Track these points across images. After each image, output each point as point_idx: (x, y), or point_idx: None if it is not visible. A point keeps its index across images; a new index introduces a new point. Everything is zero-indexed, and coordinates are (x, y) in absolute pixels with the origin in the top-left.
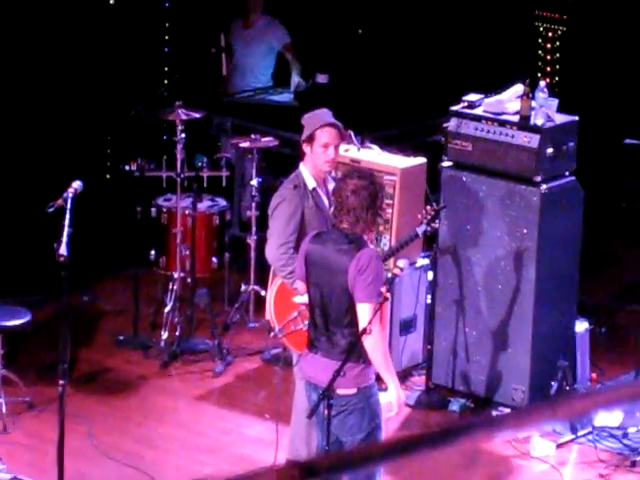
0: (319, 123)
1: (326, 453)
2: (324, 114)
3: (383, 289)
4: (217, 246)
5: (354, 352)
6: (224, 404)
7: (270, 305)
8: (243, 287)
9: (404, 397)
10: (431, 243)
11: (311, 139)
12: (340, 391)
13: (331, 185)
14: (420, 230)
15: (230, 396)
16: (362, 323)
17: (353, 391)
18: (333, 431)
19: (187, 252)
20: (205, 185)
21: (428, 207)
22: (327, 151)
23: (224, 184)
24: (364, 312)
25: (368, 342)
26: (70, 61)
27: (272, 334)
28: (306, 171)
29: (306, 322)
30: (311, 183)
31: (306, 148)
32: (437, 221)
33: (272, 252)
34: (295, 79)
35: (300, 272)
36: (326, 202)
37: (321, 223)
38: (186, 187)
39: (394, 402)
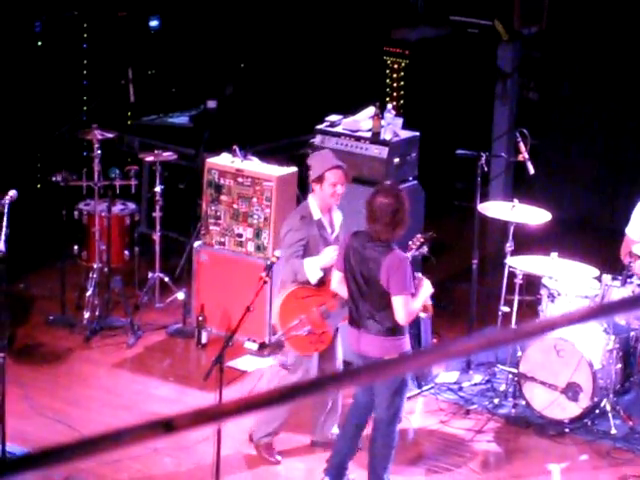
0: (328, 165)
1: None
2: (331, 157)
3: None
4: (128, 241)
5: (391, 329)
6: (136, 370)
7: (276, 313)
8: (150, 275)
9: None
10: None
11: (321, 179)
12: (386, 357)
13: (336, 213)
14: (409, 255)
15: (140, 363)
16: (398, 311)
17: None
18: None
19: (104, 247)
20: (117, 192)
21: (418, 235)
22: (335, 189)
23: (133, 191)
24: (398, 303)
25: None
26: (10, 94)
27: (275, 337)
28: (314, 203)
29: (305, 329)
30: (317, 214)
31: (316, 186)
32: (424, 247)
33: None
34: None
35: (339, 264)
36: (329, 229)
37: (324, 247)
38: (102, 194)
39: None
